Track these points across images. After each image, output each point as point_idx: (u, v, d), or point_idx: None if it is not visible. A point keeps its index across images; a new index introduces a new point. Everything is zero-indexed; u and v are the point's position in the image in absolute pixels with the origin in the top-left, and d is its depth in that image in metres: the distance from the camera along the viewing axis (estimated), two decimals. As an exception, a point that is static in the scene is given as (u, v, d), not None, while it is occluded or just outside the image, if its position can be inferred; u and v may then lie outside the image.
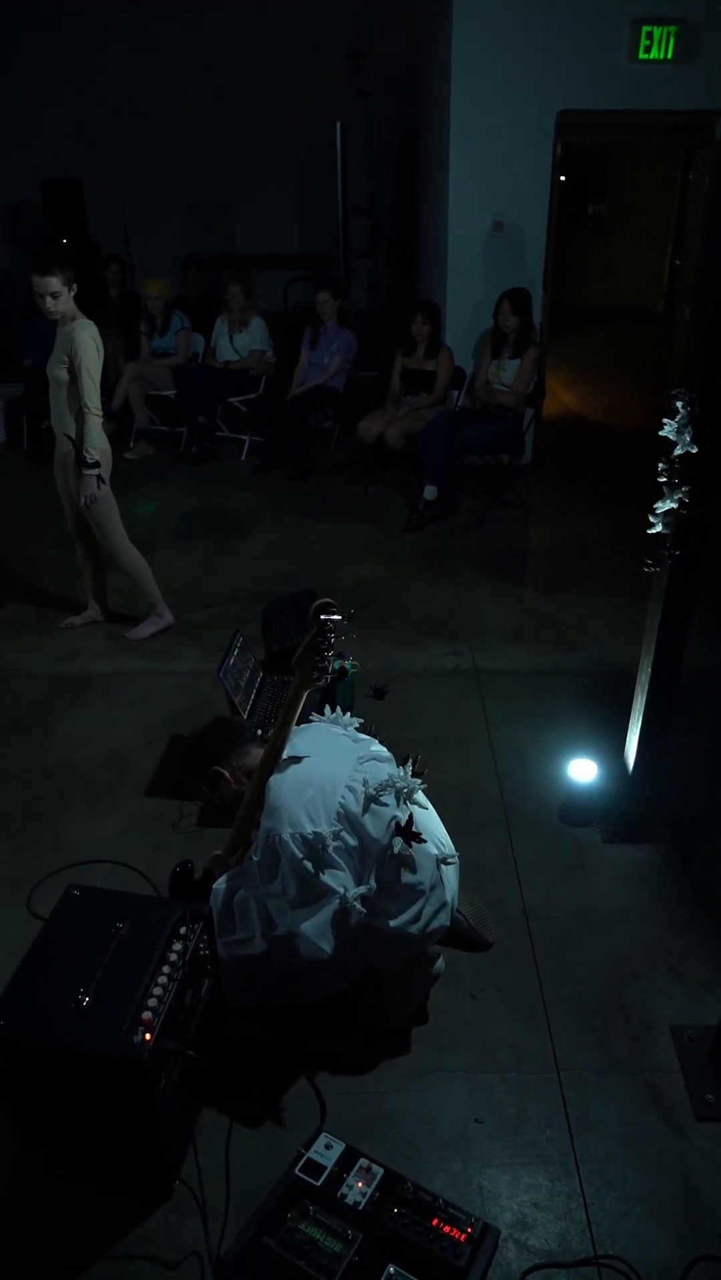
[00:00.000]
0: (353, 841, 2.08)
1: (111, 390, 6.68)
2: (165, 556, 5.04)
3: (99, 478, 3.71)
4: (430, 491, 5.28)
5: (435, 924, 2.17)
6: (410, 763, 2.22)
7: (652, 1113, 2.16)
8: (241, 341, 6.42)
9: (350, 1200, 1.88)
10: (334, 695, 3.50)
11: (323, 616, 2.08)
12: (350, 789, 2.11)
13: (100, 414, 3.65)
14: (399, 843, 2.09)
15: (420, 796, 2.23)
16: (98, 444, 3.66)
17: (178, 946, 1.98)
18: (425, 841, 2.13)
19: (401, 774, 2.18)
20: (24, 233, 9.11)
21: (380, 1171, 1.94)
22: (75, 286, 3.57)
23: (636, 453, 6.17)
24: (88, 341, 3.56)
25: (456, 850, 2.32)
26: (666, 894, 2.78)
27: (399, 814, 2.12)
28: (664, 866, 2.88)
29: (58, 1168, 2.04)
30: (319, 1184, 1.91)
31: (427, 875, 2.15)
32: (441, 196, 5.91)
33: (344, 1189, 1.90)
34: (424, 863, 2.14)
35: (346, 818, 2.08)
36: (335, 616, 2.09)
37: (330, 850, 2.04)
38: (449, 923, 2.22)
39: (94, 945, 1.95)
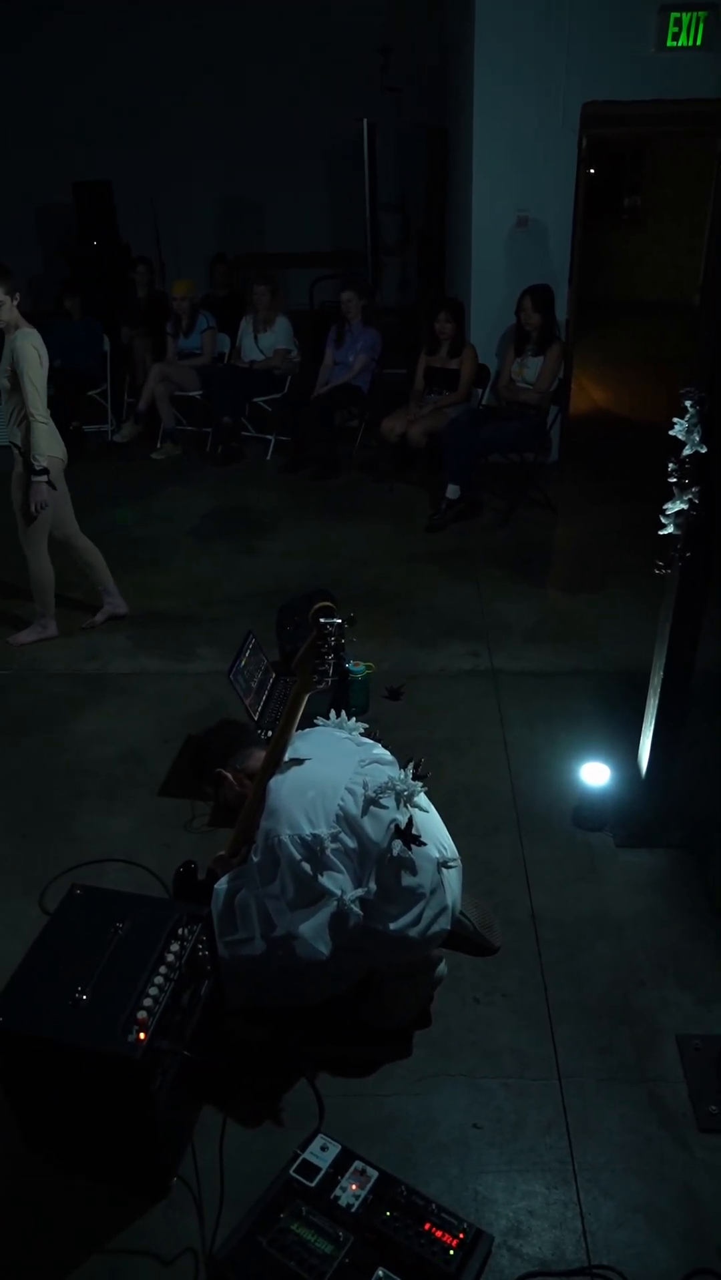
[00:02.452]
0: (352, 844, 2.08)
1: (138, 391, 6.76)
2: (188, 555, 5.10)
3: (49, 484, 3.76)
4: (452, 490, 5.25)
5: (435, 928, 2.16)
6: (412, 766, 2.21)
7: (654, 1122, 2.13)
8: (266, 341, 6.44)
9: (343, 1202, 1.88)
10: (347, 697, 3.51)
11: (322, 620, 2.08)
12: (350, 791, 2.12)
13: (46, 421, 3.72)
14: (398, 845, 2.09)
15: (422, 799, 2.22)
16: (45, 450, 3.72)
17: (175, 947, 1.99)
18: (425, 845, 2.13)
19: (402, 777, 2.18)
20: (56, 235, 9.24)
21: (374, 1174, 1.94)
22: (18, 295, 3.65)
23: (666, 449, 6.06)
24: (29, 350, 3.63)
25: (462, 853, 2.31)
26: (679, 900, 2.74)
27: (398, 817, 2.11)
28: (677, 872, 2.84)
29: (59, 1162, 2.07)
30: (313, 1185, 1.92)
31: (428, 878, 2.14)
32: (466, 192, 5.87)
33: (337, 1191, 1.91)
34: (424, 866, 2.14)
35: (345, 820, 2.08)
36: (334, 620, 2.09)
37: (328, 852, 2.04)
38: (449, 927, 2.21)
39: (93, 945, 1.97)
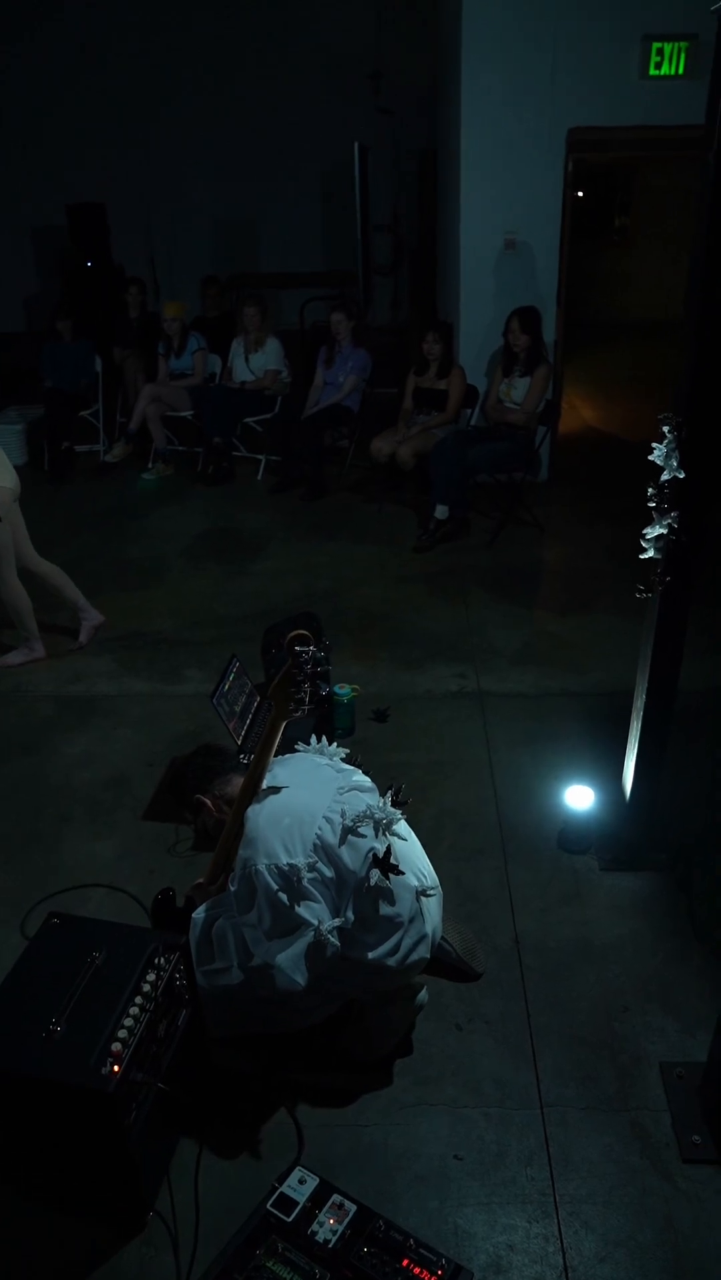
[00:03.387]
0: (329, 873, 2.07)
1: (129, 411, 6.79)
2: (178, 576, 5.10)
3: None
4: (441, 511, 5.27)
5: (414, 956, 2.15)
6: (391, 793, 2.20)
7: (637, 1153, 2.11)
8: (257, 362, 6.47)
9: (320, 1238, 1.86)
10: (333, 719, 3.50)
11: (297, 648, 2.08)
12: (327, 820, 2.10)
13: None
14: (376, 874, 2.07)
15: (400, 828, 2.21)
16: None
17: (152, 977, 1.97)
18: (403, 874, 2.11)
19: (381, 805, 2.17)
20: (51, 256, 9.29)
21: (353, 1208, 1.92)
22: None
23: (655, 470, 6.09)
24: None
25: (446, 876, 2.30)
26: (663, 924, 2.73)
27: (376, 845, 2.10)
28: (661, 896, 2.83)
29: (32, 1196, 2.05)
30: (290, 1220, 1.89)
31: (406, 907, 2.12)
32: (455, 215, 5.93)
33: (315, 1225, 1.88)
34: (402, 895, 2.12)
35: (323, 849, 2.07)
36: (310, 648, 2.09)
37: (305, 882, 2.03)
38: (429, 955, 2.19)
39: (69, 974, 1.95)
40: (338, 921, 2.04)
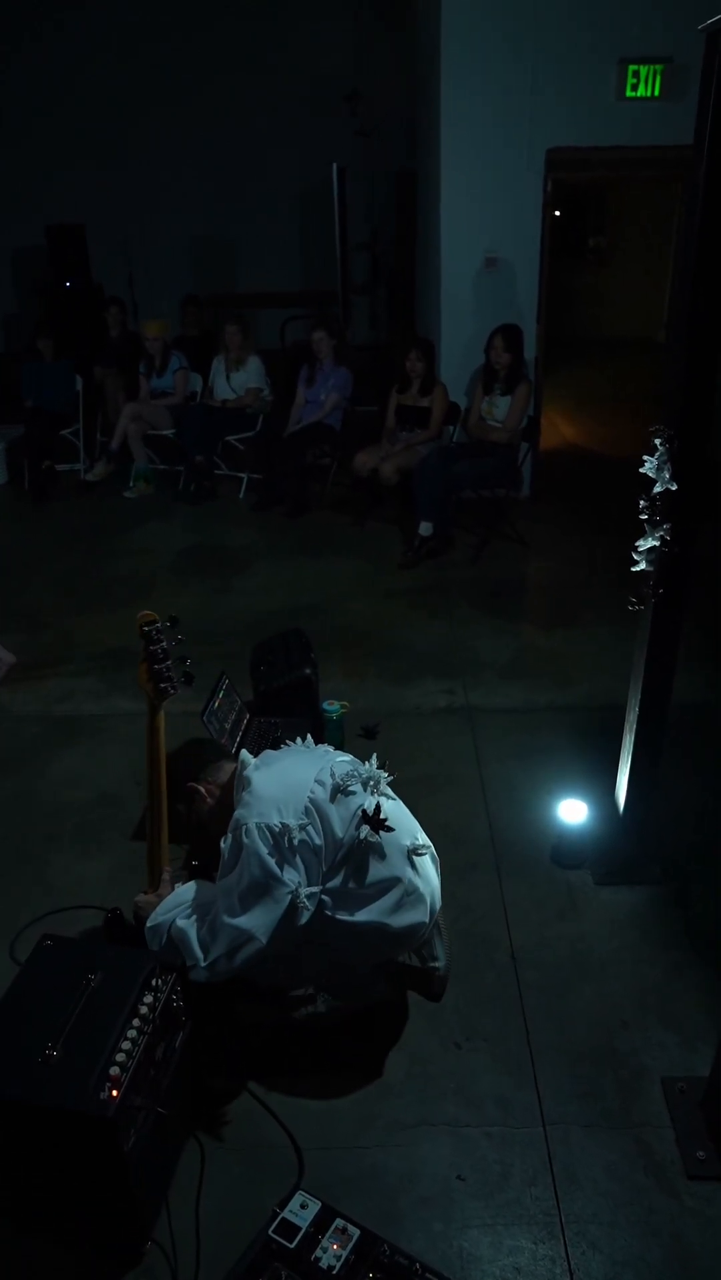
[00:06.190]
0: (317, 840, 2.10)
1: (110, 430, 6.77)
2: (163, 593, 5.06)
3: None
4: (425, 527, 5.28)
5: (411, 918, 2.15)
6: (375, 756, 2.28)
7: (641, 1170, 2.09)
8: (238, 380, 6.48)
9: (324, 1264, 1.82)
10: (323, 736, 3.48)
11: (145, 628, 2.15)
12: (319, 783, 2.17)
13: None
14: (366, 830, 2.11)
15: (388, 790, 2.26)
16: None
17: (148, 999, 1.94)
18: (393, 829, 2.15)
19: (368, 766, 2.25)
20: (29, 277, 9.28)
21: (356, 1233, 1.88)
22: None
23: (637, 483, 6.14)
24: None
25: (441, 893, 2.29)
26: (660, 937, 2.72)
27: (366, 803, 2.15)
28: (658, 909, 2.82)
29: (30, 1226, 1.99)
30: (292, 1246, 1.85)
31: (398, 865, 2.16)
32: (435, 234, 5.98)
33: (318, 1251, 1.84)
34: (393, 853, 2.16)
35: (315, 811, 2.12)
36: (154, 624, 2.16)
37: (295, 843, 2.06)
38: (426, 919, 2.19)
39: (64, 997, 1.91)
40: (316, 889, 2.08)
